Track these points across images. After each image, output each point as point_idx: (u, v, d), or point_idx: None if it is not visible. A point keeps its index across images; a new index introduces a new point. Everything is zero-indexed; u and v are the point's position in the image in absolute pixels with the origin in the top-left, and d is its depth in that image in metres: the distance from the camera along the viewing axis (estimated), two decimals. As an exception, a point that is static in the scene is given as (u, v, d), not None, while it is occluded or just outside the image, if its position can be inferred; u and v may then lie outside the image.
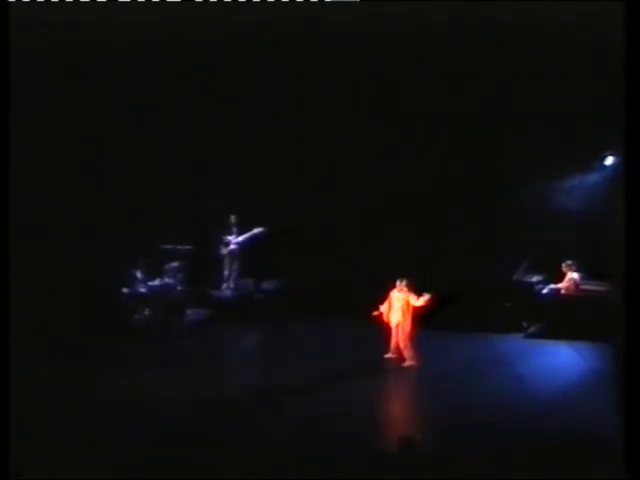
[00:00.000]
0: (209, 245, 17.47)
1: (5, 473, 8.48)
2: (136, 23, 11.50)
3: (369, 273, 16.02)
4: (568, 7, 11.12)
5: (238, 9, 11.21)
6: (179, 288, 16.18)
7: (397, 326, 13.76)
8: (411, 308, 13.65)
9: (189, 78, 14.46)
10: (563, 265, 15.96)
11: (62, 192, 14.50)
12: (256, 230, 17.17)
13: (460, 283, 15.74)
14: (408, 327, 13.70)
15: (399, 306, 13.71)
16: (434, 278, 14.62)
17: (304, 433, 10.39)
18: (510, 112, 15.31)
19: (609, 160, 15.97)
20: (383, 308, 13.84)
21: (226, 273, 17.55)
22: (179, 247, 16.52)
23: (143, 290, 15.61)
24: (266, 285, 17.67)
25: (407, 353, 13.68)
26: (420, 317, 13.77)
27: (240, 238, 17.31)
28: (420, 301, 13.57)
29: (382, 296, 13.90)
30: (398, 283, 13.77)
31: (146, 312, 15.43)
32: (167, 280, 16.04)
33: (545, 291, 16.04)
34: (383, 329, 13.86)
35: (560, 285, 15.96)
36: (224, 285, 17.55)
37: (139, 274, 15.70)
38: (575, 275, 15.90)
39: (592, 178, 16.62)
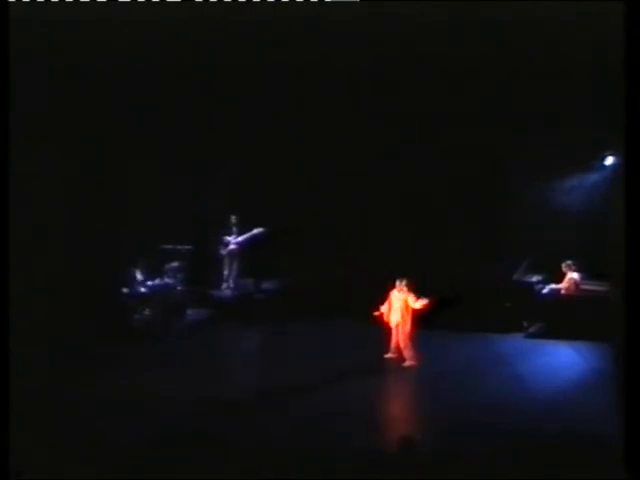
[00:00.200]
0: (209, 245, 17.47)
1: (5, 473, 8.48)
2: (136, 23, 11.49)
3: (369, 273, 16.02)
4: (568, 7, 11.11)
5: (238, 9, 11.20)
6: (179, 288, 16.18)
7: (397, 326, 13.76)
8: (410, 309, 13.66)
9: (189, 78, 14.45)
10: (563, 265, 15.96)
11: (62, 192, 14.49)
12: (256, 230, 17.17)
13: (460, 283, 15.75)
14: (408, 327, 13.70)
15: (399, 306, 13.72)
16: (434, 278, 14.63)
17: (304, 433, 10.39)
18: (510, 112, 15.30)
19: (609, 160, 15.97)
20: (383, 308, 13.85)
21: (226, 273, 17.55)
22: (179, 247, 16.52)
23: (143, 290, 15.62)
24: (266, 285, 17.67)
25: (407, 353, 13.68)
26: (420, 317, 13.76)
27: (240, 238, 17.31)
28: (418, 304, 13.57)
29: (382, 296, 13.91)
30: (398, 283, 13.78)
31: (146, 312, 15.44)
32: (167, 280, 16.05)
33: (545, 291, 16.03)
34: (383, 329, 13.87)
35: (560, 285, 15.96)
36: (224, 285, 17.55)
37: (139, 274, 15.71)
38: (575, 275, 15.89)
39: (592, 178, 16.61)
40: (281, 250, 17.06)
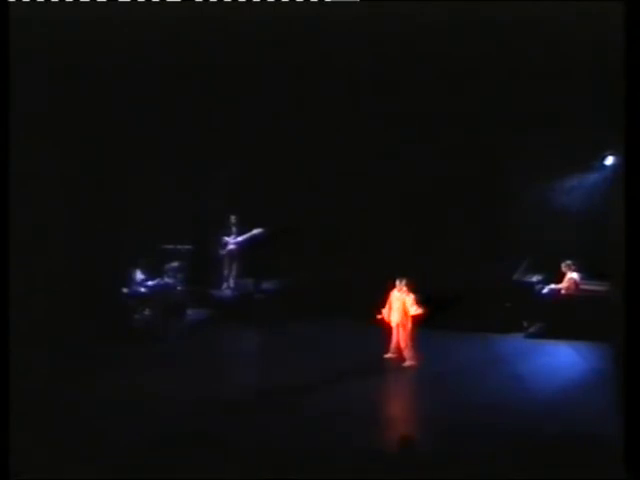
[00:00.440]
0: (209, 245, 17.47)
1: (5, 473, 8.48)
2: (136, 23, 11.49)
3: (369, 273, 16.02)
4: (568, 7, 11.11)
5: (238, 9, 11.20)
6: (179, 288, 16.19)
7: (397, 326, 13.77)
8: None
9: (189, 78, 14.45)
10: (563, 265, 15.96)
11: (62, 192, 14.49)
12: (255, 231, 17.17)
13: (460, 283, 15.75)
14: (408, 327, 13.71)
15: (399, 306, 13.72)
16: (434, 278, 14.63)
17: (304, 433, 10.39)
18: (510, 112, 15.30)
19: (609, 160, 15.97)
20: (384, 310, 13.85)
21: (226, 273, 17.56)
22: (179, 247, 16.51)
23: (143, 290, 15.63)
24: (266, 285, 17.67)
25: (407, 353, 13.68)
26: (420, 317, 13.76)
27: (239, 238, 17.31)
28: (413, 310, 13.58)
29: (382, 296, 13.90)
30: (398, 283, 13.78)
31: (146, 312, 15.45)
32: (167, 280, 16.05)
33: (545, 291, 16.04)
34: (383, 329, 13.87)
35: (560, 285, 15.96)
36: (224, 285, 17.56)
37: (139, 274, 15.71)
38: (575, 275, 15.90)
39: (592, 178, 16.62)
40: (281, 250, 17.06)
